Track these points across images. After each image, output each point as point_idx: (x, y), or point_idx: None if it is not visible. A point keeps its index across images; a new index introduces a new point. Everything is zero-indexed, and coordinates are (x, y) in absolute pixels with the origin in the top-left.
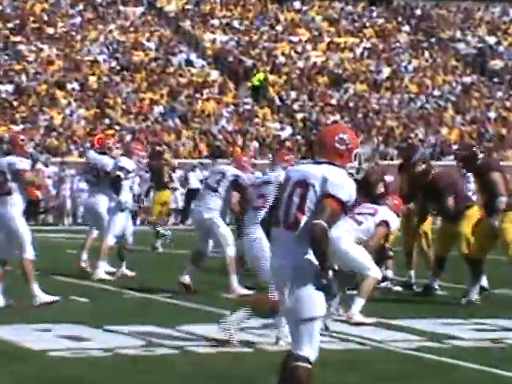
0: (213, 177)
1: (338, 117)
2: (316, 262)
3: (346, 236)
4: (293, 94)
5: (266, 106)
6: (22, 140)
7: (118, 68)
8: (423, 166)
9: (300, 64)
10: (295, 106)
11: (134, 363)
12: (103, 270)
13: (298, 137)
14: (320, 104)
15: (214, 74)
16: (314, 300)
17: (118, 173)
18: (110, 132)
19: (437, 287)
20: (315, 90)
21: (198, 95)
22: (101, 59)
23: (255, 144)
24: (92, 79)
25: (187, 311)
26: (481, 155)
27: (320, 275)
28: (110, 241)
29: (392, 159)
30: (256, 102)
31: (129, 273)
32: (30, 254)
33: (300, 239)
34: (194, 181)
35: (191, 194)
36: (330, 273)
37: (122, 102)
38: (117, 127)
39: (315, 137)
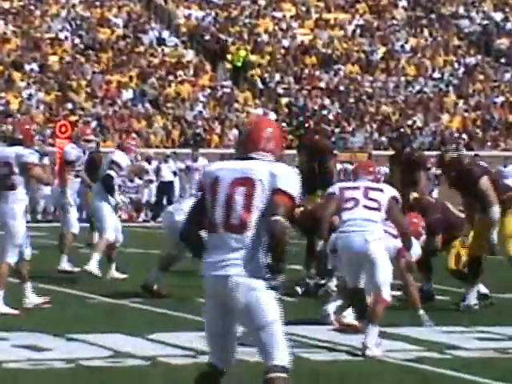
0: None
1: (327, 101)
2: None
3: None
4: (277, 77)
5: (247, 89)
6: (34, 130)
7: (82, 47)
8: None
9: (285, 43)
10: (279, 90)
11: (99, 376)
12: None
13: (283, 124)
14: (307, 87)
15: (189, 54)
16: (270, 302)
17: (109, 172)
18: (74, 118)
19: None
20: (302, 72)
21: (170, 77)
22: (63, 37)
23: (235, 132)
24: (53, 59)
25: (159, 318)
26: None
27: (273, 275)
28: (111, 236)
29: (386, 149)
30: (236, 86)
31: (120, 275)
32: (10, 259)
33: (249, 241)
34: (167, 173)
35: (164, 188)
36: (283, 276)
37: (86, 84)
38: (80, 112)
39: (244, 131)
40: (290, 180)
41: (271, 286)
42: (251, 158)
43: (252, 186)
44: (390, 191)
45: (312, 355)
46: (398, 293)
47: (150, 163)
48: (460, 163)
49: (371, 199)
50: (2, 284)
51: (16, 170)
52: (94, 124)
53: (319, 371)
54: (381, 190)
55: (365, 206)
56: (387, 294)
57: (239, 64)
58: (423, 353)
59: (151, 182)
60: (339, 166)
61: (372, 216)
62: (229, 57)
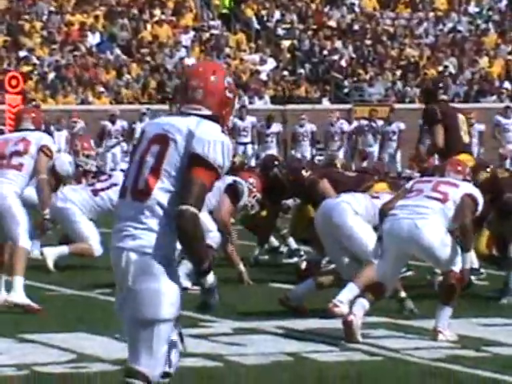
0: None
1: (338, 44)
2: (173, 247)
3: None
4: (276, 14)
5: (240, 30)
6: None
7: None
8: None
9: None
10: (280, 31)
11: None
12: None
13: (285, 72)
14: (313, 27)
15: None
16: (159, 297)
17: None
18: (27, 69)
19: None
20: (307, 8)
21: (145, 17)
22: None
23: None
24: None
25: None
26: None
27: (197, 279)
28: None
29: (412, 101)
30: (226, 26)
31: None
32: (24, 242)
33: (151, 212)
34: None
35: None
36: (211, 276)
37: (41, 27)
38: (35, 61)
39: (183, 77)
40: (213, 144)
41: (203, 292)
42: (184, 114)
43: (165, 145)
44: (467, 188)
45: (320, 355)
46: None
47: (113, 123)
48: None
49: (438, 191)
50: (21, 270)
51: (33, 150)
52: (51, 76)
53: (322, 376)
54: (455, 185)
55: (426, 196)
56: (457, 268)
57: (224, 10)
58: (456, 351)
59: (112, 147)
60: (354, 124)
61: (430, 204)
62: None
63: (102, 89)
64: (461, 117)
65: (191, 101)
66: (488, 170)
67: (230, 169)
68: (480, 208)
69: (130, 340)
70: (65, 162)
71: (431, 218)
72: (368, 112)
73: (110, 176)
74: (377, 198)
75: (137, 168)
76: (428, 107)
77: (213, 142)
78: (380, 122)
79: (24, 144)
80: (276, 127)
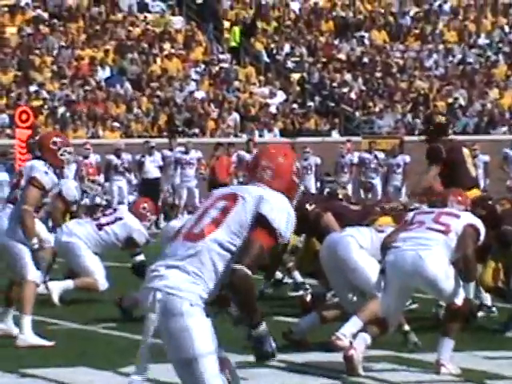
0: None
1: (348, 76)
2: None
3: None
4: (286, 47)
5: (250, 63)
6: (54, 143)
7: (46, 16)
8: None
9: (294, 6)
10: (289, 63)
11: None
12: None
13: (294, 105)
14: (323, 59)
15: (178, 22)
16: (194, 333)
17: None
18: (38, 103)
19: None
20: (316, 41)
21: (155, 51)
22: (23, 4)
23: (235, 116)
24: (10, 31)
25: (135, 345)
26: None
27: (249, 333)
28: None
29: (422, 134)
30: (236, 60)
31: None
32: (33, 275)
33: (195, 256)
34: (152, 168)
35: (147, 187)
36: (263, 326)
37: (51, 61)
38: (45, 96)
39: (252, 158)
40: (280, 210)
41: (255, 342)
42: None
43: (233, 201)
44: (469, 218)
45: None
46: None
47: (119, 157)
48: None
49: (440, 223)
50: (29, 308)
51: (23, 182)
52: (61, 110)
53: None
54: (456, 216)
55: (428, 228)
56: (460, 300)
57: (235, 44)
58: None
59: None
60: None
61: (433, 236)
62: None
63: (115, 123)
64: (465, 150)
65: (259, 180)
66: (488, 202)
67: None
68: (482, 238)
69: (183, 379)
70: (71, 188)
71: (434, 249)
72: (368, 145)
73: (114, 210)
74: (382, 231)
75: (197, 217)
76: (433, 145)
77: (281, 209)
78: (382, 155)
79: (18, 177)
80: None
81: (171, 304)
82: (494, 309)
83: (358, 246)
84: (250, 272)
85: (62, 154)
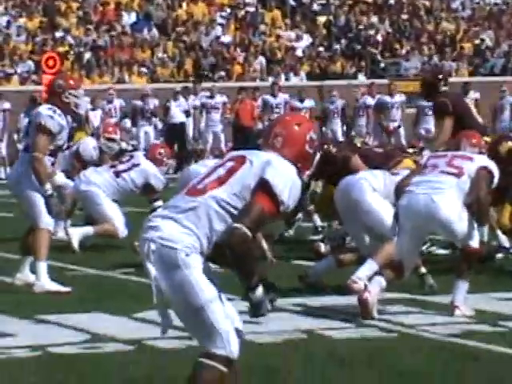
0: None
1: (374, 19)
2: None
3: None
4: None
5: (276, 7)
6: (59, 86)
7: None
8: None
9: None
10: (315, 6)
11: (69, 366)
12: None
13: (321, 48)
14: (349, 2)
15: None
16: (195, 283)
17: None
18: (64, 49)
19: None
20: None
21: None
22: None
23: (261, 60)
24: None
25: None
26: None
27: (246, 294)
28: None
29: (449, 75)
30: (261, 3)
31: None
32: (45, 222)
33: (193, 210)
34: (177, 112)
35: (174, 131)
36: (260, 290)
37: (77, 7)
38: (71, 42)
39: (269, 124)
40: (284, 177)
41: (250, 304)
42: None
43: (240, 163)
44: (482, 161)
45: (334, 332)
46: (444, 251)
47: (145, 102)
48: None
49: (453, 166)
50: (44, 255)
51: (32, 129)
52: (87, 55)
53: (335, 354)
54: (470, 159)
55: (442, 171)
56: (475, 242)
57: None
58: (471, 326)
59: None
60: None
61: (446, 179)
62: None
63: (142, 68)
64: (468, 101)
65: (270, 147)
66: (509, 141)
67: None
68: (496, 180)
69: (192, 332)
70: (88, 147)
71: (447, 192)
72: (388, 87)
73: (131, 157)
74: (396, 174)
75: (205, 175)
76: (438, 101)
77: (286, 177)
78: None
79: (29, 124)
80: (309, 103)
81: (166, 255)
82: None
83: (372, 189)
84: (249, 233)
85: (66, 97)
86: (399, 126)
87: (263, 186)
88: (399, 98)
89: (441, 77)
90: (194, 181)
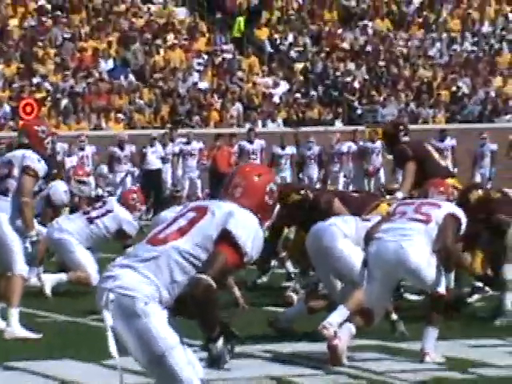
0: None
1: (351, 65)
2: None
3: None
4: (289, 37)
5: (253, 53)
6: (43, 132)
7: (49, 7)
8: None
9: None
10: (292, 53)
11: None
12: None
13: (298, 95)
14: (327, 49)
15: (181, 13)
16: (156, 332)
17: None
18: (41, 95)
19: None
20: (320, 31)
21: (158, 41)
22: None
23: (238, 106)
24: (13, 23)
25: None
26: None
27: (206, 345)
28: None
29: (426, 122)
30: (239, 50)
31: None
32: (20, 268)
33: (154, 259)
34: (153, 159)
35: (149, 178)
36: (220, 341)
37: (55, 53)
38: (49, 88)
39: (229, 176)
40: (247, 228)
41: (210, 355)
42: None
43: (202, 214)
44: (450, 208)
45: (304, 379)
46: (415, 296)
47: (122, 149)
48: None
49: (421, 213)
50: (16, 301)
51: (16, 172)
52: (64, 102)
53: None
54: (438, 206)
55: (410, 218)
56: (442, 288)
57: (237, 34)
58: (441, 372)
59: (128, 173)
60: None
61: (414, 226)
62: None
63: (119, 114)
64: (429, 145)
65: (230, 197)
66: (480, 190)
67: None
68: (463, 227)
69: (156, 380)
70: (59, 191)
71: (416, 239)
72: (369, 134)
73: (104, 203)
74: (367, 220)
75: (166, 224)
76: (397, 148)
77: (248, 228)
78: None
79: (9, 167)
80: (290, 149)
81: (125, 305)
82: (487, 288)
83: (343, 235)
84: (213, 283)
85: (47, 143)
86: (378, 169)
87: (226, 238)
88: (379, 144)
89: (401, 127)
90: (155, 230)
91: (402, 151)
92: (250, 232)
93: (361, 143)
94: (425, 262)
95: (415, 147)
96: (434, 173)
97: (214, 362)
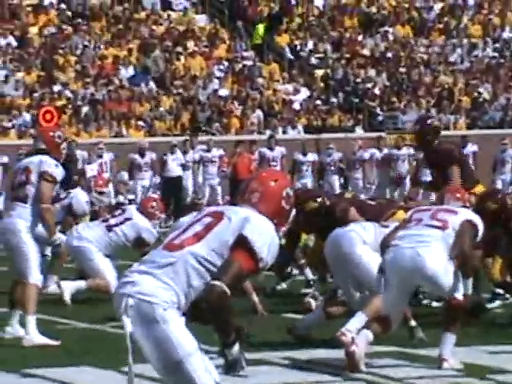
0: None
1: (372, 72)
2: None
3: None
4: (310, 44)
5: (274, 60)
6: (59, 137)
7: (70, 15)
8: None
9: (319, 1)
10: (313, 60)
11: None
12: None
13: (318, 101)
14: (347, 55)
15: (201, 20)
16: (174, 338)
17: None
18: (61, 103)
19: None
20: (341, 37)
21: (179, 49)
22: (46, 2)
23: (259, 114)
24: (33, 31)
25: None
26: None
27: (222, 351)
28: None
29: (447, 128)
30: (259, 57)
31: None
32: (35, 278)
33: (171, 265)
34: (174, 166)
35: (169, 185)
36: (236, 347)
37: (75, 61)
38: (69, 95)
39: (246, 182)
40: (263, 234)
41: (226, 361)
42: None
43: (218, 219)
44: (467, 214)
45: None
46: (436, 303)
47: (143, 156)
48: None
49: (438, 219)
50: (32, 309)
51: (34, 178)
52: (85, 109)
53: None
54: (454, 212)
55: (426, 225)
56: (459, 294)
57: (259, 41)
58: (459, 379)
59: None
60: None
61: (430, 232)
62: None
63: (140, 122)
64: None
65: (246, 202)
66: (497, 196)
67: None
68: (480, 234)
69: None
70: (81, 201)
71: (433, 245)
72: (395, 140)
73: (123, 211)
74: (386, 227)
75: (183, 230)
76: (445, 147)
77: (264, 234)
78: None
79: (26, 173)
80: (311, 156)
81: (144, 310)
82: (507, 295)
83: (362, 241)
84: (227, 290)
85: (63, 148)
86: (405, 177)
87: (242, 243)
88: (406, 150)
89: (438, 130)
90: (171, 236)
91: (450, 152)
92: (266, 238)
93: (385, 150)
94: (442, 269)
95: (459, 150)
96: (469, 178)
97: (230, 367)
